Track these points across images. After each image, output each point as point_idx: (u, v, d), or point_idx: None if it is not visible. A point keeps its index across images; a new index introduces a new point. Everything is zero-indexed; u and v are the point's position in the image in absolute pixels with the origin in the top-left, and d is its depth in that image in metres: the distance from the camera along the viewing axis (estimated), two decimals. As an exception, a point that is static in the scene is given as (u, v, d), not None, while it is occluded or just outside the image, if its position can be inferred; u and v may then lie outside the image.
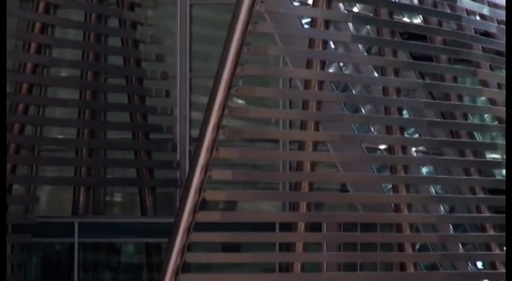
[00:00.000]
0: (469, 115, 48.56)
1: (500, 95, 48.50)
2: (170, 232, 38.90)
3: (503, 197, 46.06)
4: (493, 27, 50.22)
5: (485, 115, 49.62)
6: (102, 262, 49.02)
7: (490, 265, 47.35)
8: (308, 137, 41.98)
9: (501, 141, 49.69)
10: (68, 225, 47.17)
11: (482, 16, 50.84)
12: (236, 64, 39.31)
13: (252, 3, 39.35)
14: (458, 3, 48.59)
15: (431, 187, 47.39)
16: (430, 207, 45.69)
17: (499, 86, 48.57)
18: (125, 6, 49.24)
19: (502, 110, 48.92)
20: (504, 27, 50.74)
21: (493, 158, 49.83)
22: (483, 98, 48.73)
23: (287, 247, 41.78)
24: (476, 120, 49.28)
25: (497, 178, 48.82)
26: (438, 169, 48.11)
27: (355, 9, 47.85)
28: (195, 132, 43.20)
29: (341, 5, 46.60)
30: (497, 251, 46.39)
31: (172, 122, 49.66)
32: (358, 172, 44.67)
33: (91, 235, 47.66)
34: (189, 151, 47.03)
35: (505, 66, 49.57)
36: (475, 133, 48.51)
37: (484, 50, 47.97)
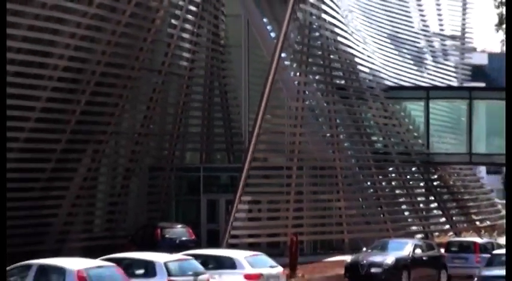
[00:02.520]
0: (364, 121, 51.41)
1: (378, 112, 51.20)
2: (241, 170, 42.59)
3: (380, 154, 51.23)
4: (374, 84, 51.64)
5: (371, 121, 51.44)
6: (212, 184, 48.73)
7: (373, 183, 50.77)
8: (297, 131, 45.60)
9: (378, 132, 52.28)
10: (196, 168, 48.14)
11: (370, 80, 51.38)
12: (268, 100, 43.16)
13: (274, 76, 43.39)
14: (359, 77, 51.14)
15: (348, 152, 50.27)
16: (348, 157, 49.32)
17: (377, 109, 50.86)
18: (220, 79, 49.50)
19: (378, 119, 51.24)
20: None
21: (375, 139, 52.20)
22: (369, 114, 51.07)
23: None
24: (367, 123, 51.51)
25: (376, 146, 52.10)
26: (352, 144, 50.85)
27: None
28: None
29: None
30: (373, 170, 49.75)
31: (241, 126, 50.49)
32: (317, 145, 46.83)
33: (208, 172, 47.74)
34: (248, 138, 45.02)
35: (380, 101, 51.93)
36: (367, 129, 51.37)
37: (370, 94, 50.23)
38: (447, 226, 54.09)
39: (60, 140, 39.41)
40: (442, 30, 62.99)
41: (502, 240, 49.41)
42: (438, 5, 63.17)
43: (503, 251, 33.53)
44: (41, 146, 38.79)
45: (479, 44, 70.04)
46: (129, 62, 42.28)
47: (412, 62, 59.08)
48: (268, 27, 50.43)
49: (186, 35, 46.49)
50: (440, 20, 63.24)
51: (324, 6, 48.56)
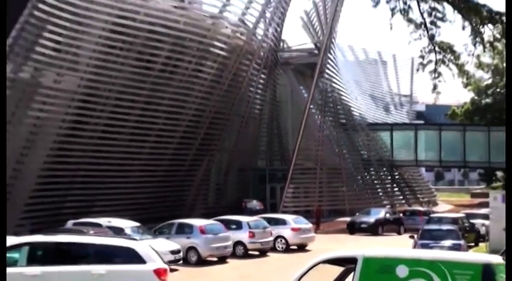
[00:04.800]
0: (356, 142, 50.31)
1: (364, 137, 50.09)
2: (288, 170, 42.39)
3: (365, 160, 49.60)
4: (362, 122, 50.58)
5: (360, 142, 50.17)
6: (272, 178, 45.81)
7: (362, 177, 50.12)
8: (319, 148, 44.38)
9: (364, 148, 50.76)
10: (263, 169, 47.04)
11: (359, 119, 50.94)
12: (303, 131, 42.58)
13: (306, 118, 42.89)
14: (354, 118, 50.39)
15: (348, 159, 48.83)
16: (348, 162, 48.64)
17: (363, 135, 50.29)
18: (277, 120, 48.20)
19: (364, 141, 49.98)
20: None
21: (362, 152, 51.04)
22: (359, 139, 50.10)
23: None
24: (358, 143, 50.35)
25: (363, 156, 50.38)
26: (350, 155, 49.39)
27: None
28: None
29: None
30: (361, 170, 49.81)
31: (288, 146, 47.58)
32: (330, 156, 46.01)
33: (270, 172, 46.60)
34: (292, 152, 43.76)
35: (365, 131, 50.52)
36: (358, 146, 50.33)
37: (359, 127, 49.46)
38: (403, 201, 53.06)
39: (189, 154, 38.84)
40: (399, 90, 62.11)
41: (435, 208, 49.24)
42: (397, 76, 62.19)
43: (436, 214, 34.04)
44: (179, 157, 38.25)
45: (420, 99, 68.92)
46: (226, 111, 41.36)
47: (382, 109, 58.55)
48: (303, 91, 49.58)
49: (257, 96, 45.79)
50: (398, 84, 62.10)
51: (333, 79, 48.27)
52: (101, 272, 12.31)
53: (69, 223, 23.75)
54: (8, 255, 12.52)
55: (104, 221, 23.32)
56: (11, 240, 13.40)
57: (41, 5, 28.59)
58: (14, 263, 12.51)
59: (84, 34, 30.94)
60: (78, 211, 28.26)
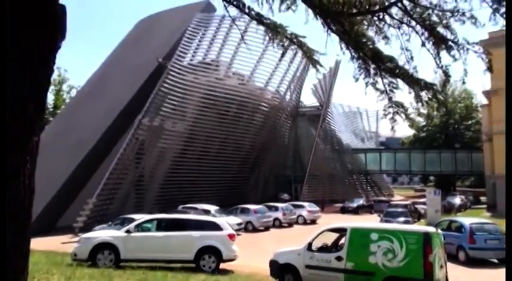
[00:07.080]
0: (345, 160, 47.84)
1: (349, 157, 47.90)
2: (305, 176, 39.46)
3: (350, 171, 46.93)
4: (349, 148, 48.53)
5: (347, 160, 48.41)
6: (295, 180, 42.33)
7: (349, 180, 47.53)
8: (323, 164, 41.94)
9: (349, 163, 47.89)
10: (289, 176, 43.72)
11: (346, 146, 48.93)
12: (313, 155, 39.60)
13: (315, 147, 40.03)
14: (343, 146, 48.42)
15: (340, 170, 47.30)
16: (339, 172, 46.07)
17: (349, 157, 47.90)
18: (297, 149, 45.02)
19: (348, 159, 48.08)
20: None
21: (348, 166, 48.42)
22: (346, 158, 47.90)
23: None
24: (346, 161, 48.00)
25: (349, 168, 48.23)
26: (341, 167, 47.73)
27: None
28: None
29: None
30: (347, 176, 46.81)
31: (305, 164, 42.72)
32: (329, 168, 43.39)
33: (294, 177, 43.04)
34: (306, 167, 39.18)
35: (350, 154, 48.26)
36: (345, 162, 47.86)
37: (347, 151, 47.26)
38: (373, 194, 50.58)
39: (247, 167, 37.09)
40: (370, 129, 59.95)
41: (393, 199, 46.14)
42: (368, 121, 60.01)
43: (394, 202, 32.11)
44: (241, 169, 36.73)
45: (382, 134, 67.36)
46: (268, 142, 39.53)
47: (360, 140, 56.22)
48: (313, 130, 46.62)
49: (286, 133, 43.65)
50: (369, 126, 59.77)
51: (331, 123, 46.10)
52: (197, 236, 12.36)
53: (180, 207, 23.31)
54: (145, 225, 12.78)
55: (199, 206, 22.76)
56: (147, 217, 13.72)
57: (165, 85, 29.82)
58: (149, 230, 12.68)
59: (188, 99, 31.64)
60: (184, 200, 27.73)
